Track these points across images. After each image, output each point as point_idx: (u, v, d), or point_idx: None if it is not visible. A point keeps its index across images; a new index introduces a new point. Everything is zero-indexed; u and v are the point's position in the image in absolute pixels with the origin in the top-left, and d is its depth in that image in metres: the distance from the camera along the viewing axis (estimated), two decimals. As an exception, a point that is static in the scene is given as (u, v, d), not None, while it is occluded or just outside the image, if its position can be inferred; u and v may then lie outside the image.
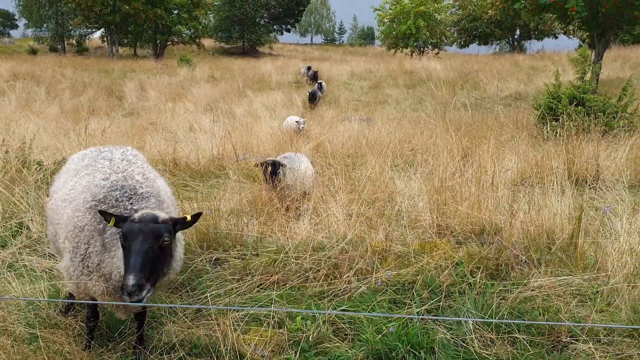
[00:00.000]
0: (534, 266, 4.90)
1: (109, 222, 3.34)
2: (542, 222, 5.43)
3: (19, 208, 6.08)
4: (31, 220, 5.89)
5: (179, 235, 3.60)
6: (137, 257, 3.12)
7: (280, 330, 4.21)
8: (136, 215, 3.32)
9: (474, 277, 4.74)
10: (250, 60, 45.77)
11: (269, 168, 7.22)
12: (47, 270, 5.13)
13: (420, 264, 4.86)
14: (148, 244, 3.19)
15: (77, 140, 10.50)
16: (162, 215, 3.40)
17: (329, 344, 4.10)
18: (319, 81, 26.04)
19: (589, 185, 8.08)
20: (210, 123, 16.11)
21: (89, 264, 3.51)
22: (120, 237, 3.26)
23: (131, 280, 3.04)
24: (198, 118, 17.46)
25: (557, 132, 11.67)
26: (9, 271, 5.05)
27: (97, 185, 3.73)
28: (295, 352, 3.99)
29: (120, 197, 3.63)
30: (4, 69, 28.02)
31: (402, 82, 30.62)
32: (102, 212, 3.36)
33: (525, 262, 4.97)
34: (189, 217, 3.50)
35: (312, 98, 22.34)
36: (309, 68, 31.06)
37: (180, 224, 3.46)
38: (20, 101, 20.03)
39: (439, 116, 15.11)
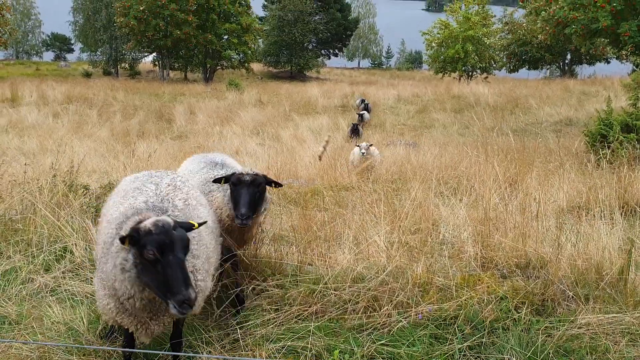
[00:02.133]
0: (582, 302, 4.71)
1: (220, 183, 4.74)
2: (590, 255, 5.23)
3: (63, 232, 6.21)
4: (75, 244, 6.00)
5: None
6: (246, 197, 4.57)
7: (318, 364, 4.15)
8: (243, 171, 4.75)
9: (519, 313, 4.58)
10: (297, 84, 46.31)
11: None
12: (88, 295, 5.21)
13: (463, 298, 4.73)
14: (252, 189, 4.62)
15: (125, 163, 10.75)
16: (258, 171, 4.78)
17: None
18: (360, 112, 24.32)
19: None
20: (256, 146, 16.29)
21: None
22: (230, 186, 4.69)
23: (243, 210, 4.52)
24: (245, 141, 17.69)
25: (608, 160, 11.31)
26: (51, 295, 5.15)
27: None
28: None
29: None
30: (58, 92, 29.05)
31: (449, 107, 30.36)
32: (216, 180, 4.82)
33: (573, 297, 4.77)
34: (281, 183, 5.11)
35: (355, 132, 19.83)
36: (362, 101, 29.28)
37: (271, 182, 4.88)
38: (72, 123, 20.71)
39: (486, 142, 14.87)
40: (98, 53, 58.52)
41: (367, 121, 24.54)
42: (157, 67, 54.64)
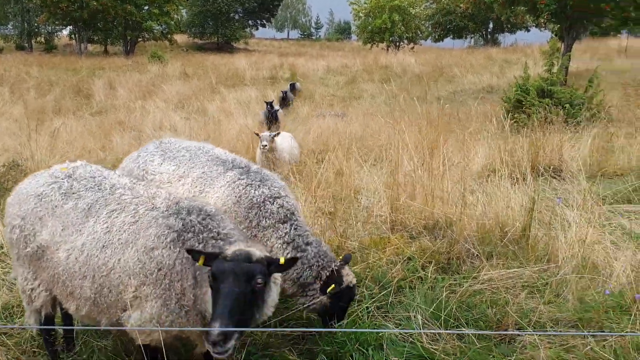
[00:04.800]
0: (486, 259, 4.90)
1: (197, 261, 3.00)
2: (496, 214, 5.44)
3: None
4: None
5: (276, 275, 3.23)
6: (226, 302, 2.80)
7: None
8: (228, 253, 2.99)
9: (425, 272, 4.72)
10: (224, 56, 45.45)
11: None
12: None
13: (371, 260, 4.83)
14: (239, 287, 2.86)
15: (37, 141, 10.25)
16: (257, 253, 3.03)
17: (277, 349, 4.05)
18: (268, 101, 17.01)
19: (551, 176, 8.13)
20: (180, 120, 15.93)
21: (185, 302, 3.17)
22: (209, 277, 2.94)
23: (217, 330, 2.71)
24: (168, 116, 17.24)
25: (524, 125, 11.76)
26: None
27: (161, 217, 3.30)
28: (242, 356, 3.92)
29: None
30: (-36, 69, 27.38)
31: (377, 77, 30.63)
32: (190, 251, 3.02)
33: (477, 255, 4.96)
34: (282, 260, 3.09)
35: (270, 120, 15.47)
36: (292, 85, 24.62)
37: (274, 265, 3.06)
38: (-19, 102, 19.59)
39: (411, 110, 15.12)
40: (9, 27, 55.06)
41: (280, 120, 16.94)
42: (74, 40, 52.08)
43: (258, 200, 4.15)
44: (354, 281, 4.05)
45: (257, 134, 9.02)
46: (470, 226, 5.26)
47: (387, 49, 49.55)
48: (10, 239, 3.67)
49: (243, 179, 4.26)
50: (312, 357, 3.92)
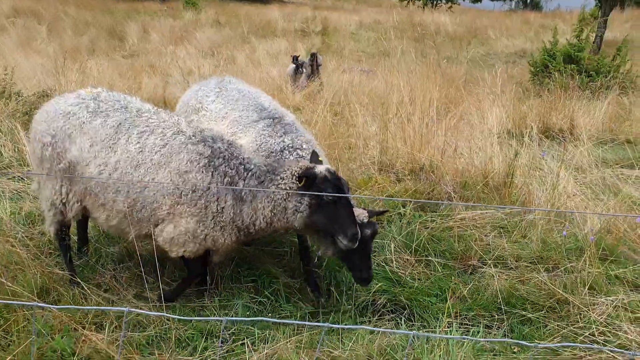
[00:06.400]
0: (464, 202, 5.27)
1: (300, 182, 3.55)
2: (482, 163, 5.77)
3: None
4: (3, 146, 6.27)
5: None
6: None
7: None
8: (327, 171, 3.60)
9: (405, 209, 5.12)
10: (258, 6, 45.18)
11: None
12: (14, 191, 5.55)
13: (356, 194, 5.24)
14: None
15: (69, 78, 10.72)
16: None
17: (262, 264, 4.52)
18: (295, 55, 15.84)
19: (560, 139, 8.36)
20: (209, 68, 16.28)
21: (221, 219, 3.65)
22: (328, 200, 3.50)
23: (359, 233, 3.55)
24: (198, 62, 17.58)
25: (547, 89, 11.86)
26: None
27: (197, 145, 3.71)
28: (230, 268, 4.41)
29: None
30: (4, 5, 27.36)
31: (409, 35, 30.33)
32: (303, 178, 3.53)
33: (455, 198, 5.33)
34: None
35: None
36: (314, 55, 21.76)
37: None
38: (20, 38, 20.14)
39: (439, 70, 15.20)
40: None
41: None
42: (114, -17, 52.36)
43: (276, 148, 4.35)
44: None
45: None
46: (454, 172, 5.61)
47: (424, 7, 48.65)
48: (42, 156, 3.93)
49: (267, 130, 4.48)
50: (292, 273, 4.40)
